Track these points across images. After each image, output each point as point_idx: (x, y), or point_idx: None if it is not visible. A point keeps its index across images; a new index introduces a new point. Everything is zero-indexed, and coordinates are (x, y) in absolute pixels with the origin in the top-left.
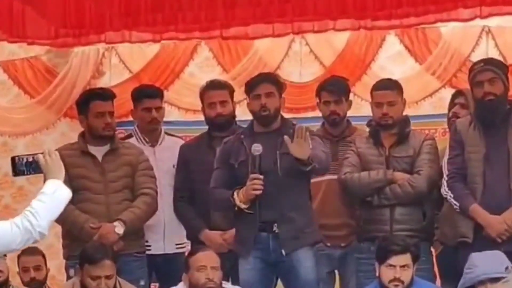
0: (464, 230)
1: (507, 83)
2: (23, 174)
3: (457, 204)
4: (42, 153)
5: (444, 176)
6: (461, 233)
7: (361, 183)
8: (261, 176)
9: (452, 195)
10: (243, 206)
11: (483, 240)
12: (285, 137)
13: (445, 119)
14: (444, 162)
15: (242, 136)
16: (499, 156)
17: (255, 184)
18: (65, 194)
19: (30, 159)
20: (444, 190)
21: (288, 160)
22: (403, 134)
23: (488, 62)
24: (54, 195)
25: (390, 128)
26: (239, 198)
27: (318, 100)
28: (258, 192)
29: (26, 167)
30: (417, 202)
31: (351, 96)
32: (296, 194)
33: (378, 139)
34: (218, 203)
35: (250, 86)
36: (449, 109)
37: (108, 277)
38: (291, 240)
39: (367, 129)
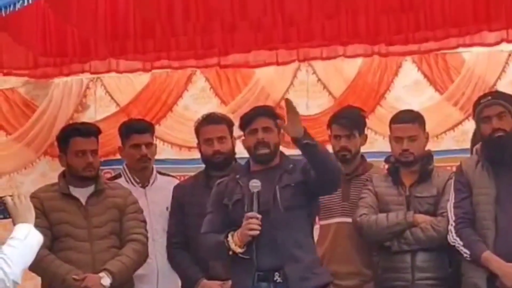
0: (476, 280)
1: None
2: None
3: (468, 252)
4: (11, 196)
5: (451, 221)
6: (473, 284)
7: (379, 227)
8: (259, 215)
9: (461, 243)
10: (238, 250)
11: None
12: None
13: (469, 154)
14: (450, 206)
15: (238, 176)
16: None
17: (251, 223)
18: (37, 239)
19: None
20: (452, 237)
21: (289, 193)
22: (426, 171)
23: (496, 95)
24: (26, 240)
25: (411, 165)
26: (234, 241)
27: (329, 133)
28: (255, 233)
29: None
30: (441, 248)
31: None
32: (300, 231)
33: (397, 177)
34: (211, 250)
35: (246, 121)
36: (472, 145)
37: None
38: (300, 282)
39: (385, 166)
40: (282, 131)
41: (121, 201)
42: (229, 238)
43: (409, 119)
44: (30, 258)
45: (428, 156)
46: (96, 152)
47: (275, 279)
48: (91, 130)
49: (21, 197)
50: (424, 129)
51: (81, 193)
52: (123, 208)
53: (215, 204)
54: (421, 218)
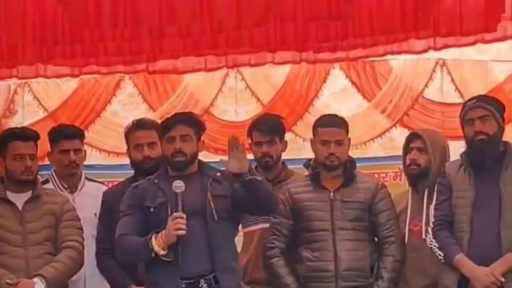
0: (447, 282)
1: (501, 123)
2: None
3: (442, 254)
4: None
5: (430, 223)
6: (444, 285)
7: (274, 275)
8: (184, 215)
9: (437, 245)
10: (161, 252)
11: None
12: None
13: (396, 162)
14: (431, 208)
15: (156, 181)
16: (489, 202)
17: (178, 223)
18: None
19: None
20: (429, 239)
21: (223, 203)
22: (351, 176)
23: (481, 99)
24: None
25: (335, 169)
26: (157, 243)
27: (250, 141)
28: (182, 232)
29: None
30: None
31: (291, 136)
32: (231, 241)
33: (319, 182)
34: (131, 252)
35: (165, 128)
36: (404, 154)
37: None
38: None
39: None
40: (202, 138)
41: (57, 208)
42: (153, 240)
43: (337, 123)
44: None
45: (351, 161)
46: (35, 157)
47: (200, 286)
48: (30, 135)
49: None
50: (348, 134)
51: (18, 198)
52: (59, 215)
53: (132, 207)
54: None
